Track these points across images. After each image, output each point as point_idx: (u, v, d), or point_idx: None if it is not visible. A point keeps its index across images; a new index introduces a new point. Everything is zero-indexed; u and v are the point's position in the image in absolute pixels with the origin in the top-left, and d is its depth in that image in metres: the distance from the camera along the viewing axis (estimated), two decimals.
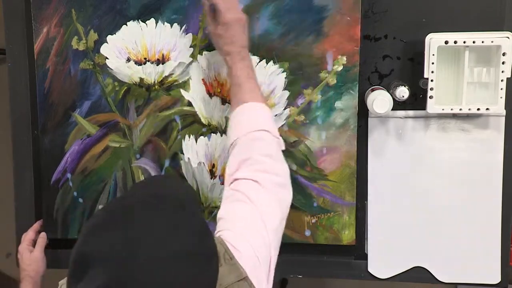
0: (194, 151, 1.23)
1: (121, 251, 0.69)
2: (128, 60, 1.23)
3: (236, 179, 0.95)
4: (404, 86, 1.14)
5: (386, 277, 1.24)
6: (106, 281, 0.68)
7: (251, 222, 0.89)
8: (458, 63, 1.14)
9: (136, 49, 1.22)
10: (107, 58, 1.23)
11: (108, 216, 0.75)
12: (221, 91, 1.20)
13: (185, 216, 0.77)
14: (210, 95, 1.21)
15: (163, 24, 1.21)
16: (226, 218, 0.91)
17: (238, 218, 0.91)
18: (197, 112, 1.22)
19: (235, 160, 0.97)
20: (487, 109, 1.12)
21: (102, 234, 0.72)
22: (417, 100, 1.19)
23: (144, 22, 1.21)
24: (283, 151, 0.99)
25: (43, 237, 1.27)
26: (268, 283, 0.87)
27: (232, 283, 0.81)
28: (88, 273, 0.69)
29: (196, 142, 1.23)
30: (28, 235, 1.27)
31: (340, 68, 1.16)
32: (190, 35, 1.20)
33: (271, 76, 1.19)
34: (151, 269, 0.69)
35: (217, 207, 1.23)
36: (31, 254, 1.24)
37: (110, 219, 0.75)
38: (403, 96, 1.13)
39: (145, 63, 1.22)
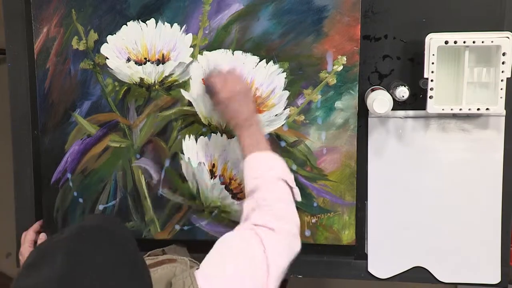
0: (194, 151, 1.23)
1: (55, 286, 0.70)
2: (128, 60, 1.23)
3: (254, 224, 0.95)
4: (404, 86, 1.14)
5: (386, 277, 1.24)
6: None
7: (250, 266, 0.89)
8: (458, 63, 1.14)
9: (136, 49, 1.22)
10: (107, 58, 1.23)
11: (40, 254, 0.75)
12: None
13: (112, 248, 0.76)
14: None
15: (163, 24, 1.21)
16: (221, 250, 0.92)
17: (234, 257, 0.91)
18: (197, 112, 1.22)
19: (252, 202, 0.98)
20: (487, 109, 1.12)
21: (35, 273, 0.72)
22: (417, 100, 1.19)
23: (144, 22, 1.21)
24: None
25: (43, 239, 1.27)
26: None
27: None
28: None
29: (196, 142, 1.23)
30: (29, 236, 1.26)
31: (340, 68, 1.17)
32: (190, 35, 1.20)
33: (271, 76, 1.19)
34: None
35: (217, 207, 1.23)
36: None
37: (42, 257, 0.74)
38: (403, 96, 1.13)
39: (145, 63, 1.22)
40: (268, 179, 1.00)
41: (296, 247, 0.96)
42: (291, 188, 1.02)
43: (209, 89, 1.11)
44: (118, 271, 0.74)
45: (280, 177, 1.01)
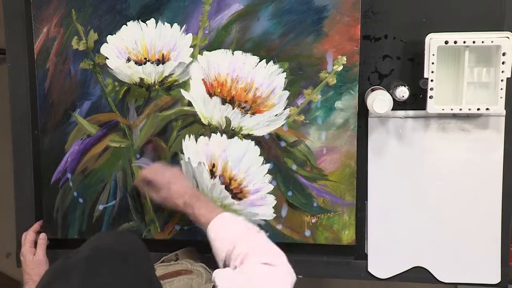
0: (194, 151, 1.23)
1: None
2: (128, 60, 1.23)
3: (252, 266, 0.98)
4: (404, 86, 1.14)
5: (386, 277, 1.24)
6: None
7: None
8: (458, 63, 1.14)
9: (136, 49, 1.22)
10: (107, 58, 1.23)
11: (55, 274, 0.76)
12: (221, 91, 1.20)
13: (127, 268, 0.77)
14: (210, 95, 1.21)
15: (163, 24, 1.21)
16: (240, 276, 0.95)
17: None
18: (197, 112, 1.22)
19: (235, 260, 1.00)
20: (487, 109, 1.12)
21: None
22: (417, 100, 1.19)
23: (144, 22, 1.21)
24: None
25: (43, 239, 1.27)
26: None
27: None
28: None
29: (196, 142, 1.23)
30: (29, 236, 1.26)
31: (340, 68, 1.17)
32: (190, 35, 1.20)
33: (271, 76, 1.19)
34: None
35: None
36: (34, 257, 1.24)
37: (57, 277, 0.75)
38: (403, 96, 1.13)
39: (145, 63, 1.22)
40: (239, 236, 1.03)
41: (293, 275, 0.98)
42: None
43: (146, 184, 1.19)
44: None
45: (248, 229, 1.05)
